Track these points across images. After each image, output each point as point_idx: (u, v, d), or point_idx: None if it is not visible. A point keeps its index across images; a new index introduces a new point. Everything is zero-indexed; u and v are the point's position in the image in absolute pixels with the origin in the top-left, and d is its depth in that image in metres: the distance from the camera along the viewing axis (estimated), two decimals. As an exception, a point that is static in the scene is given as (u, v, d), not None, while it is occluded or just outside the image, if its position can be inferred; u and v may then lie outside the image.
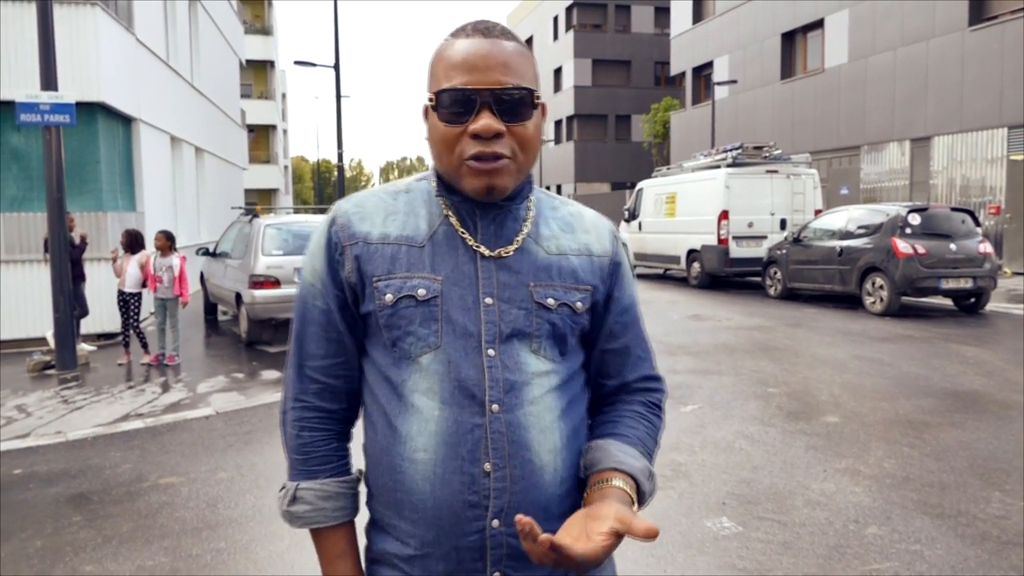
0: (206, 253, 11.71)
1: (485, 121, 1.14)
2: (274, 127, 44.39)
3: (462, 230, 1.24)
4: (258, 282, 9.19)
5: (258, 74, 42.66)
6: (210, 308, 12.17)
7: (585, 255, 1.30)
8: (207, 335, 10.90)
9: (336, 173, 22.27)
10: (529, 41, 50.12)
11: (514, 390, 1.19)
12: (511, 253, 1.24)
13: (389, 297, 1.21)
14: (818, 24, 23.31)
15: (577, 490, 1.24)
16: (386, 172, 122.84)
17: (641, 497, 1.21)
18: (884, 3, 20.34)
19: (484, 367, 1.18)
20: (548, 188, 45.74)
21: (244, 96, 32.91)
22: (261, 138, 43.53)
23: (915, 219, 11.07)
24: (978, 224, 11.42)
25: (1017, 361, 7.74)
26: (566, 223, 1.33)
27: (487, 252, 1.23)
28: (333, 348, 1.28)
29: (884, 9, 20.35)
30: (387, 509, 1.24)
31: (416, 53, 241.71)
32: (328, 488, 1.27)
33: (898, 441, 5.23)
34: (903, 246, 10.79)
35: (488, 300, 1.20)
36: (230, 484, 4.76)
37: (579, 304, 1.26)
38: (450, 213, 1.25)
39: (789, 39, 24.95)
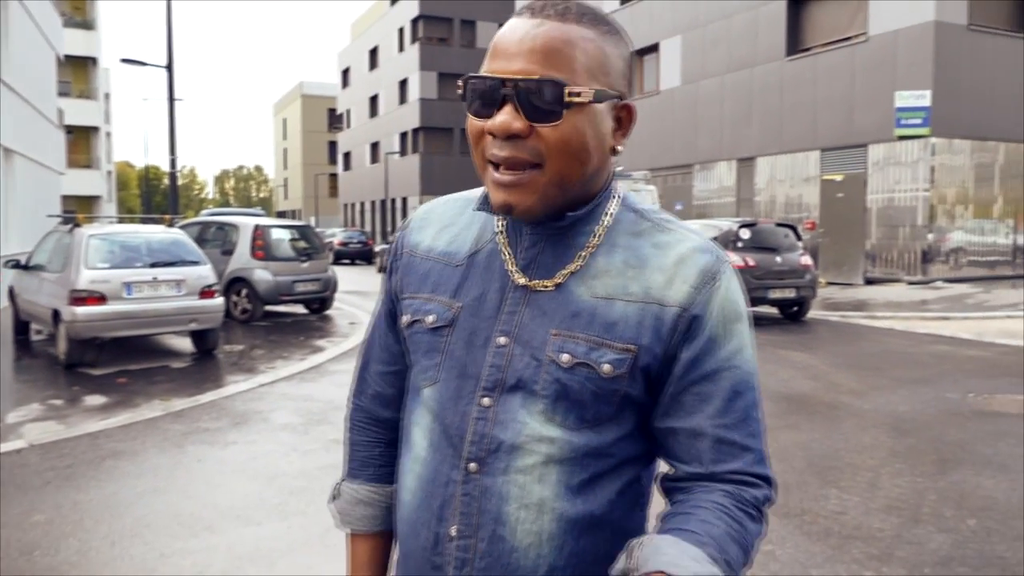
0: (16, 266, 10.61)
1: (501, 117, 0.94)
2: (96, 129, 41.33)
3: (506, 250, 1.06)
4: (80, 298, 8.40)
5: (78, 71, 39.55)
6: (21, 327, 11.03)
7: (639, 302, 0.99)
8: (17, 357, 9.86)
9: (165, 181, 20.98)
10: (375, 51, 49.63)
11: (500, 451, 1.00)
12: (548, 288, 1.01)
13: (406, 318, 1.11)
14: (654, 48, 24.51)
15: None
16: (221, 181, 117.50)
17: None
18: (713, 32, 21.70)
19: (472, 417, 1.02)
20: (393, 201, 45.37)
21: (62, 94, 30.38)
22: (81, 141, 40.39)
23: (745, 233, 11.81)
24: (799, 238, 12.35)
25: (838, 364, 8.38)
26: (640, 256, 1.02)
27: (521, 281, 1.03)
28: (388, 356, 1.21)
29: (713, 37, 21.71)
30: (396, 534, 1.18)
31: (254, 56, 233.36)
32: (361, 493, 1.22)
33: (742, 447, 5.48)
34: (735, 259, 11.46)
35: (502, 339, 1.02)
36: (49, 527, 4.26)
37: (607, 367, 0.98)
38: (501, 229, 1.08)
39: (627, 60, 26.04)
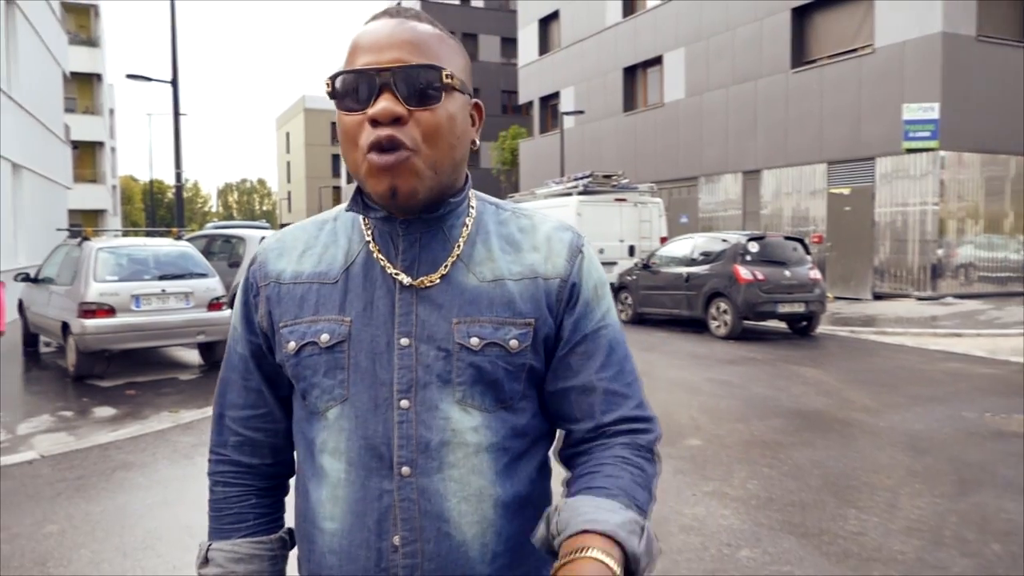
0: (26, 279, 10.61)
1: (383, 104, 0.96)
2: (102, 144, 41.45)
3: (380, 256, 1.06)
4: (89, 310, 8.39)
5: (83, 87, 39.75)
6: (30, 339, 11.01)
7: (528, 279, 1.06)
8: (27, 369, 9.84)
9: (170, 194, 20.99)
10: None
11: (430, 450, 1.01)
12: (435, 282, 1.04)
13: (292, 345, 1.07)
14: (657, 60, 24.57)
15: (522, 566, 1.06)
16: (224, 194, 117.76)
17: (633, 564, 0.90)
18: (716, 44, 21.74)
19: (395, 422, 1.01)
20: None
21: (68, 110, 30.52)
22: (87, 155, 40.52)
23: (754, 247, 11.77)
24: (808, 252, 12.30)
25: (850, 380, 8.32)
26: (511, 240, 1.09)
27: (407, 281, 1.04)
28: (252, 398, 1.16)
29: (716, 49, 21.75)
30: None
31: (256, 70, 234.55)
32: (240, 549, 1.14)
33: (757, 462, 5.43)
34: (744, 272, 11.43)
35: (404, 340, 1.03)
36: (61, 538, 4.23)
37: (514, 342, 1.03)
38: (371, 237, 1.08)
39: (631, 73, 26.13)
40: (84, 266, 8.75)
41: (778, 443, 5.89)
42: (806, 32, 19.37)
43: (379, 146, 0.96)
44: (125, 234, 14.09)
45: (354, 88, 0.99)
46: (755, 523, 4.28)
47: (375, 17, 1.04)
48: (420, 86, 0.97)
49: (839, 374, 8.72)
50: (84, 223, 35.81)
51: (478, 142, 1.09)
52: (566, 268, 1.08)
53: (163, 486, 5.13)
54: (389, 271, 1.05)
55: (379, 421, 1.02)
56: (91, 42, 39.34)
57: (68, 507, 4.73)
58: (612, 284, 14.68)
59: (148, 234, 13.54)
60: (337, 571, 1.05)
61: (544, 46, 31.95)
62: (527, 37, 33.09)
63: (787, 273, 11.62)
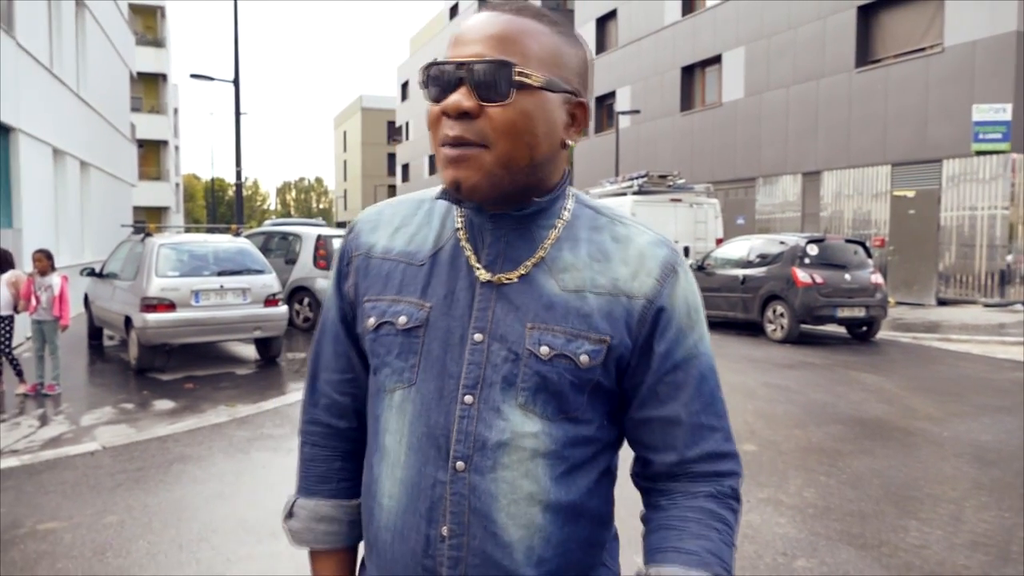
0: (92, 273, 10.95)
1: (454, 97, 0.98)
2: (166, 143, 42.63)
3: (467, 247, 1.07)
4: (151, 305, 8.61)
5: (149, 87, 40.93)
6: (95, 332, 11.37)
7: (609, 295, 1.03)
8: (91, 362, 10.15)
9: (231, 192, 21.46)
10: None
11: (486, 449, 1.01)
12: (514, 280, 1.04)
13: (371, 321, 1.10)
14: (716, 60, 24.21)
15: (567, 572, 1.05)
16: (282, 192, 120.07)
17: None
18: (778, 43, 21.32)
19: (456, 416, 1.02)
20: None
21: (134, 110, 31.45)
22: (152, 154, 41.71)
23: (813, 249, 11.50)
24: (869, 255, 11.97)
25: (912, 388, 8.06)
26: (602, 250, 1.06)
27: (486, 276, 1.04)
28: (342, 363, 1.20)
29: (778, 48, 21.33)
30: (366, 547, 1.15)
31: (315, 71, 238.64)
32: (322, 509, 1.20)
33: (814, 469, 5.28)
34: (802, 275, 11.17)
35: (478, 336, 1.03)
36: (120, 529, 4.33)
37: (585, 358, 1.01)
38: (461, 226, 1.09)
39: (688, 73, 25.81)
40: (146, 262, 8.99)
41: (836, 451, 5.73)
42: (872, 31, 18.86)
43: (448, 141, 0.99)
44: (186, 231, 14.44)
45: (437, 80, 1.01)
46: (812, 532, 4.16)
47: (480, 8, 1.05)
48: (490, 81, 0.97)
49: (901, 381, 8.46)
50: (148, 220, 36.90)
51: (571, 142, 1.06)
52: (654, 289, 1.04)
53: (219, 479, 5.22)
54: (472, 263, 1.06)
55: (442, 412, 1.03)
56: (157, 43, 40.47)
57: (127, 498, 4.84)
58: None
59: (208, 231, 13.84)
60: (389, 548, 1.07)
61: (601, 45, 31.77)
62: (584, 36, 32.87)
63: (847, 277, 11.32)
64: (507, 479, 1.01)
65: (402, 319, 1.07)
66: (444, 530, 1.02)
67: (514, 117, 0.97)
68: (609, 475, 1.11)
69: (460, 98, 0.97)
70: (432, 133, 1.03)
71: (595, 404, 1.05)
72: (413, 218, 1.14)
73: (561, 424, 1.02)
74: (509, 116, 0.97)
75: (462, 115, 0.98)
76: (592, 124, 32.39)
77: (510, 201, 1.03)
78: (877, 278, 11.57)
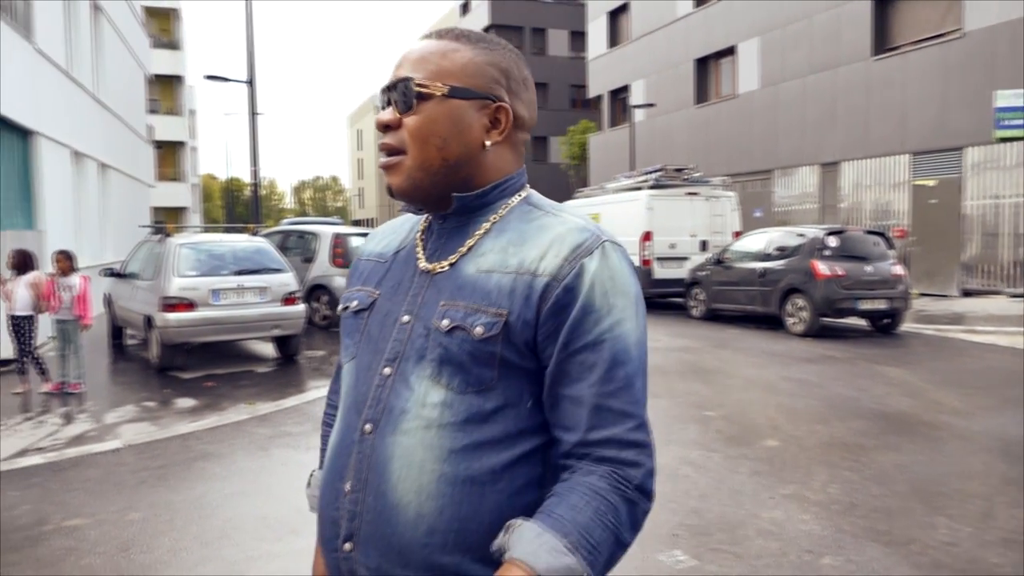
0: (112, 274, 11.03)
1: (380, 114, 1.16)
2: (183, 144, 42.92)
3: (419, 244, 1.22)
4: (171, 304, 8.66)
5: (165, 89, 41.23)
6: (116, 332, 11.46)
7: (515, 273, 1.09)
8: (113, 361, 10.23)
9: (247, 192, 21.54)
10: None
11: (391, 413, 1.10)
12: (444, 268, 1.16)
13: (340, 306, 1.29)
14: (730, 51, 24.03)
15: (462, 551, 1.06)
16: (299, 191, 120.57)
17: None
18: (793, 32, 21.13)
19: (374, 385, 1.14)
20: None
21: (151, 111, 31.67)
22: (169, 155, 42.02)
23: (833, 241, 11.38)
24: (891, 246, 11.82)
25: (938, 381, 7.95)
26: (522, 236, 1.13)
27: (424, 266, 1.18)
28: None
29: (793, 38, 21.13)
30: None
31: (328, 71, 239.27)
32: None
33: (838, 465, 5.22)
34: (823, 268, 11.06)
35: (405, 317, 1.15)
36: (144, 525, 4.35)
37: (479, 329, 1.07)
38: (421, 228, 1.25)
39: (703, 65, 25.64)
40: (166, 262, 9.04)
41: (860, 446, 5.66)
42: (889, 18, 18.63)
43: (381, 150, 1.17)
44: (204, 230, 14.51)
45: (382, 100, 1.18)
46: (837, 529, 4.11)
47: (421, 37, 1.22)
48: (402, 95, 1.13)
49: (925, 374, 8.35)
50: (167, 220, 37.15)
51: (489, 143, 1.15)
52: (560, 268, 1.07)
53: (240, 477, 5.23)
54: (419, 257, 1.20)
55: (366, 382, 1.15)
56: (172, 45, 40.74)
57: (150, 495, 4.87)
58: (683, 280, 14.41)
59: (226, 230, 13.90)
60: (320, 504, 1.19)
61: (614, 39, 31.62)
62: (596, 30, 32.81)
63: (868, 268, 11.20)
64: (404, 444, 1.08)
65: (354, 303, 1.24)
66: (347, 485, 1.12)
67: (420, 124, 1.12)
68: (534, 463, 1.10)
69: (384, 113, 1.15)
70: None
71: (511, 382, 1.09)
72: (400, 228, 1.31)
73: (467, 397, 1.07)
74: (416, 124, 1.12)
75: (386, 128, 1.15)
76: (607, 118, 32.25)
77: (442, 202, 1.16)
78: (899, 269, 11.43)
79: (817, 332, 11.21)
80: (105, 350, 10.96)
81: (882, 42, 18.66)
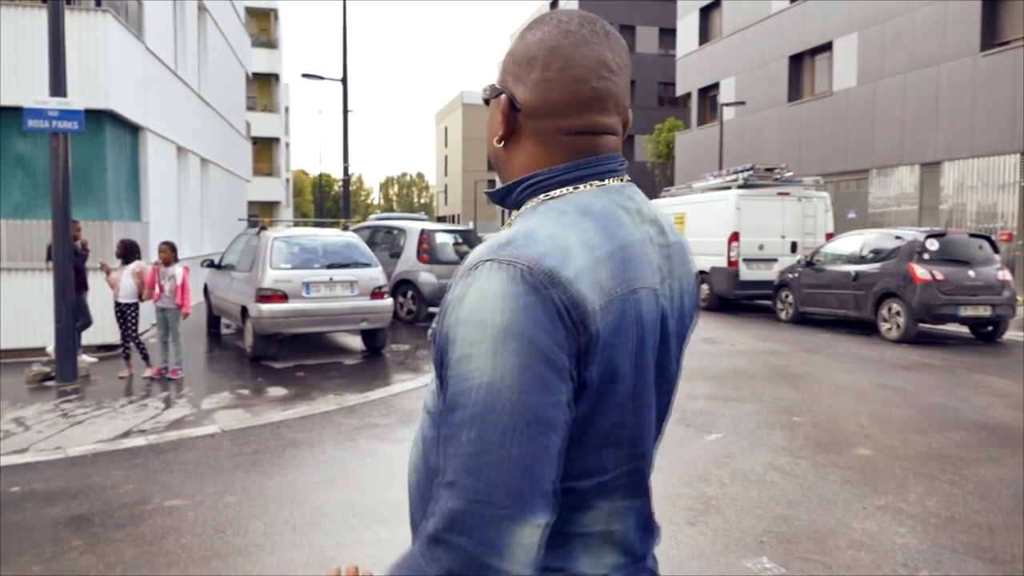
0: (211, 265, 11.51)
1: None
2: (277, 140, 44.38)
3: None
4: (265, 296, 8.98)
5: (263, 87, 42.68)
6: (213, 321, 11.95)
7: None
8: (210, 349, 10.68)
9: (336, 187, 22.10)
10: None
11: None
12: None
13: None
14: (826, 47, 23.29)
15: None
16: (385, 187, 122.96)
17: None
18: (894, 27, 20.31)
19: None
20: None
21: (249, 109, 32.83)
22: (264, 151, 43.50)
23: (933, 244, 10.90)
24: (996, 251, 11.25)
25: (1045, 393, 7.53)
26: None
27: None
28: None
29: (894, 33, 20.31)
30: None
31: (416, 68, 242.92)
32: None
33: (937, 477, 5.01)
34: (921, 272, 10.61)
35: None
36: (238, 509, 4.53)
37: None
38: None
39: (797, 61, 24.92)
40: (261, 254, 9.37)
41: (960, 458, 5.41)
42: (999, 11, 17.71)
43: None
44: (296, 224, 14.96)
45: None
46: (935, 544, 3.94)
47: None
48: None
49: (1032, 386, 7.92)
50: (260, 213, 38.48)
51: (496, 140, 1.09)
52: (453, 287, 0.95)
53: (328, 465, 5.39)
54: None
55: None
56: (270, 44, 42.16)
57: (244, 480, 5.07)
58: (771, 282, 14.05)
59: (318, 225, 14.30)
60: None
61: (704, 35, 31.07)
62: (687, 27, 32.30)
63: (971, 273, 10.68)
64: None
65: None
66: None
67: (488, 131, 1.12)
68: None
69: None
70: None
71: None
72: None
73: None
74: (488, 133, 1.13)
75: None
76: (695, 116, 31.73)
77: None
78: (1004, 275, 10.87)
79: (913, 339, 10.77)
80: (203, 338, 11.44)
81: (991, 36, 17.75)
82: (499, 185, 1.11)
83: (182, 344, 8.58)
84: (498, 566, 0.83)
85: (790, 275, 13.39)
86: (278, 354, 9.52)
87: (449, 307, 0.93)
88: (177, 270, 8.34)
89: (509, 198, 1.08)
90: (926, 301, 10.51)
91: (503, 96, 1.06)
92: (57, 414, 6.86)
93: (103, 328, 9.87)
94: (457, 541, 0.84)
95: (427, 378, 8.42)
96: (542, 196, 1.03)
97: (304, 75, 21.01)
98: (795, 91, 25.00)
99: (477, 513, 0.84)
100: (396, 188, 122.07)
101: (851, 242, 12.50)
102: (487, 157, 1.04)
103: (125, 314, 8.43)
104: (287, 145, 54.98)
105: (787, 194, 14.80)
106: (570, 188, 1.03)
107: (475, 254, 0.95)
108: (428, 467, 1.06)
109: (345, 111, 20.40)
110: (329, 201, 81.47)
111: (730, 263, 14.53)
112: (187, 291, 8.38)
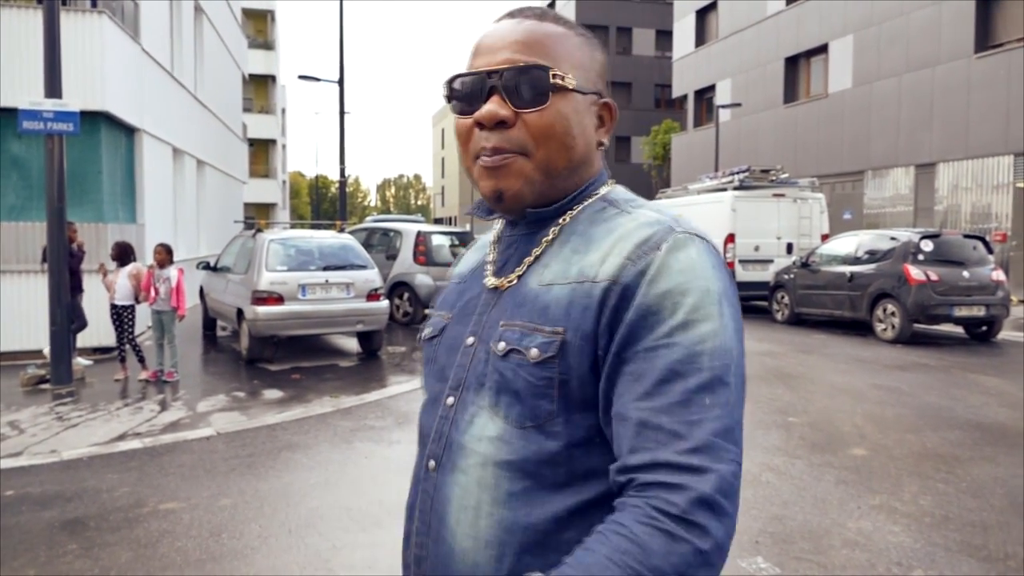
0: (206, 267, 11.50)
1: (488, 107, 0.97)
2: (274, 142, 44.35)
3: (490, 258, 1.10)
4: (261, 298, 8.97)
5: (259, 88, 42.67)
6: (209, 323, 11.94)
7: (574, 283, 0.94)
8: (205, 351, 10.66)
9: (333, 189, 22.10)
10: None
11: (452, 450, 0.98)
12: (513, 283, 1.02)
13: (422, 336, 1.17)
14: (822, 49, 23.35)
15: None
16: (382, 189, 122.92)
17: None
18: (889, 29, 20.37)
19: (438, 416, 1.03)
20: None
21: (245, 110, 32.83)
22: (261, 152, 43.47)
23: (927, 245, 10.93)
24: (990, 251, 11.28)
25: (1039, 393, 7.56)
26: (588, 240, 0.98)
27: (492, 282, 1.05)
28: None
29: (889, 35, 20.37)
30: None
31: (413, 69, 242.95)
32: None
33: (931, 476, 5.03)
34: (915, 272, 10.64)
35: (470, 340, 1.02)
36: (234, 511, 4.53)
37: (535, 351, 0.92)
38: (496, 239, 1.13)
39: (792, 63, 24.98)
40: (257, 256, 9.36)
41: (954, 457, 5.43)
42: (993, 14, 17.77)
43: (486, 151, 0.98)
44: (293, 226, 14.96)
45: (467, 91, 1.00)
46: (929, 542, 3.96)
47: (498, 19, 1.04)
48: (525, 87, 0.96)
49: (1026, 386, 7.95)
50: (256, 216, 38.46)
51: (606, 143, 1.06)
52: (621, 267, 0.91)
53: (324, 468, 5.39)
54: (487, 272, 1.08)
55: (432, 414, 1.04)
56: (267, 45, 42.15)
57: (240, 482, 5.06)
58: (767, 283, 14.08)
59: (314, 226, 14.30)
60: (403, 545, 1.10)
61: (700, 38, 31.12)
62: (683, 29, 32.35)
63: (965, 274, 10.71)
64: (461, 483, 0.95)
65: (428, 330, 1.13)
66: (415, 527, 1.03)
67: (552, 121, 0.96)
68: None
69: (494, 107, 0.96)
70: (463, 147, 1.02)
71: (573, 415, 0.92)
72: (485, 243, 1.17)
73: (529, 433, 0.92)
74: (547, 120, 0.96)
75: (499, 124, 0.97)
76: (691, 118, 31.78)
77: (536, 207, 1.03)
78: (998, 275, 10.90)
79: (908, 339, 10.80)
80: (198, 340, 11.42)
81: (985, 39, 17.81)
82: (536, 185, 1.00)
83: (178, 347, 8.57)
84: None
85: (786, 276, 13.42)
86: (274, 356, 9.51)
87: (653, 276, 0.89)
88: (172, 272, 8.33)
89: (567, 200, 1.04)
90: (921, 301, 10.54)
91: (609, 103, 1.06)
92: (52, 417, 6.85)
93: (98, 331, 9.86)
94: (728, 506, 0.80)
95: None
96: (595, 194, 1.05)
97: (301, 77, 20.99)
98: (791, 93, 25.05)
99: (740, 476, 0.84)
100: (393, 190, 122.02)
101: (846, 243, 12.53)
102: (559, 156, 0.96)
103: (121, 316, 8.42)
104: (284, 147, 54.96)
105: (783, 195, 14.84)
106: (609, 184, 1.09)
107: (648, 230, 0.94)
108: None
109: (342, 113, 20.39)
110: (326, 203, 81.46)
111: (726, 264, 14.52)
112: (182, 293, 8.37)
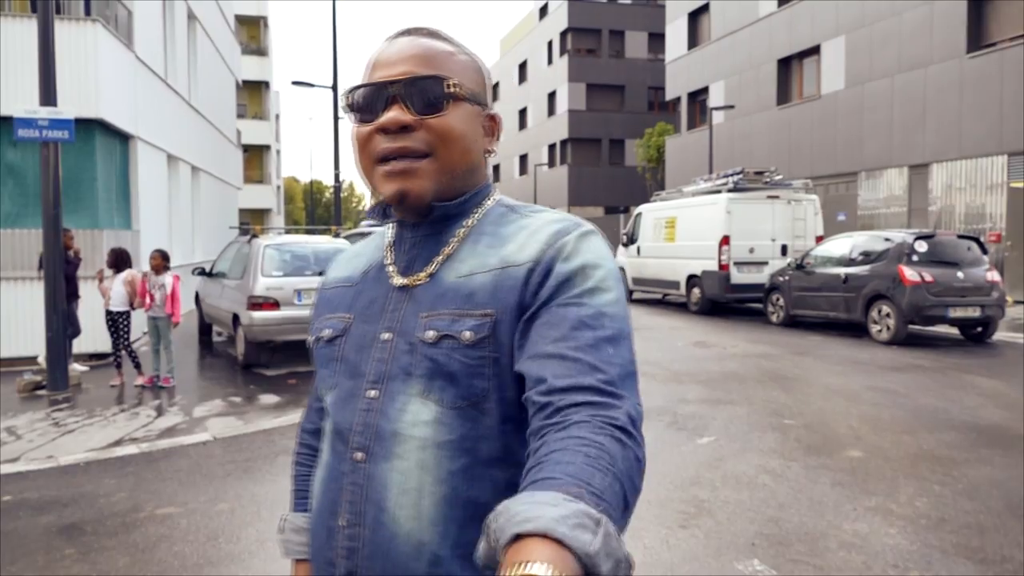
0: (202, 273, 11.49)
1: (391, 114, 1.05)
2: (268, 147, 44.34)
3: (389, 258, 1.16)
4: (257, 303, 8.97)
5: (253, 95, 42.67)
6: (205, 329, 11.93)
7: (497, 270, 1.03)
8: (201, 356, 10.65)
9: (327, 194, 22.09)
10: (523, 65, 50.49)
11: (382, 438, 1.02)
12: (422, 280, 1.08)
13: (310, 339, 1.21)
14: (814, 50, 23.41)
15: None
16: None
17: (590, 567, 0.64)
18: (881, 30, 20.45)
19: (360, 410, 1.06)
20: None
21: (239, 116, 32.83)
22: (255, 158, 43.48)
23: (922, 246, 10.97)
24: (985, 252, 11.32)
25: (1033, 393, 7.59)
26: (499, 237, 1.08)
27: (400, 281, 1.11)
28: (318, 391, 1.28)
29: (881, 36, 20.45)
30: None
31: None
32: (299, 521, 1.27)
33: (927, 478, 5.05)
34: (910, 274, 10.68)
35: (385, 335, 1.07)
36: (231, 516, 4.53)
37: (468, 334, 0.99)
38: (389, 242, 1.19)
39: (785, 65, 25.05)
40: (253, 262, 9.36)
41: (950, 458, 5.45)
42: (985, 13, 17.85)
43: (389, 154, 1.05)
44: (288, 232, 14.97)
45: (367, 101, 1.07)
46: (925, 544, 3.97)
47: (392, 37, 1.13)
48: (427, 95, 1.05)
49: (1021, 385, 7.97)
50: (251, 221, 38.43)
51: (493, 151, 1.15)
52: (539, 252, 1.02)
53: (322, 472, 5.38)
54: (390, 272, 1.13)
55: (350, 409, 1.07)
56: (261, 52, 42.17)
57: (237, 487, 5.07)
58: (762, 285, 14.11)
59: (308, 232, 14.30)
60: (313, 547, 1.12)
61: (693, 40, 31.18)
62: (675, 31, 32.42)
63: (960, 275, 10.75)
64: (400, 468, 1.00)
65: (326, 332, 1.16)
66: (342, 520, 1.04)
67: (451, 124, 1.05)
68: None
69: (397, 114, 1.04)
70: (362, 153, 1.09)
71: (506, 392, 0.99)
72: (364, 250, 1.24)
73: (463, 412, 0.99)
74: (447, 125, 1.05)
75: (401, 129, 1.04)
76: (684, 121, 31.84)
77: (431, 210, 1.09)
78: (993, 276, 10.95)
79: (904, 340, 10.83)
80: (194, 346, 11.41)
81: (977, 39, 17.89)
82: (439, 185, 1.07)
83: (174, 352, 8.56)
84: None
85: (781, 278, 13.45)
86: (270, 361, 9.50)
87: (567, 255, 1.01)
88: (167, 279, 8.33)
89: (464, 204, 1.13)
90: (915, 303, 10.58)
91: (495, 115, 1.15)
92: (49, 423, 6.84)
93: (94, 337, 9.85)
94: (640, 435, 0.90)
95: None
96: (489, 200, 1.15)
97: (294, 82, 20.99)
98: (784, 94, 25.12)
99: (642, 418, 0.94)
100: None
101: (841, 244, 12.57)
102: (458, 159, 1.07)
103: (117, 322, 8.41)
104: (278, 152, 54.95)
105: (777, 197, 14.88)
106: (496, 192, 1.18)
107: (557, 225, 1.06)
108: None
109: (336, 118, 20.40)
110: (321, 208, 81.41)
111: (721, 267, 14.60)
112: (177, 300, 8.36)
